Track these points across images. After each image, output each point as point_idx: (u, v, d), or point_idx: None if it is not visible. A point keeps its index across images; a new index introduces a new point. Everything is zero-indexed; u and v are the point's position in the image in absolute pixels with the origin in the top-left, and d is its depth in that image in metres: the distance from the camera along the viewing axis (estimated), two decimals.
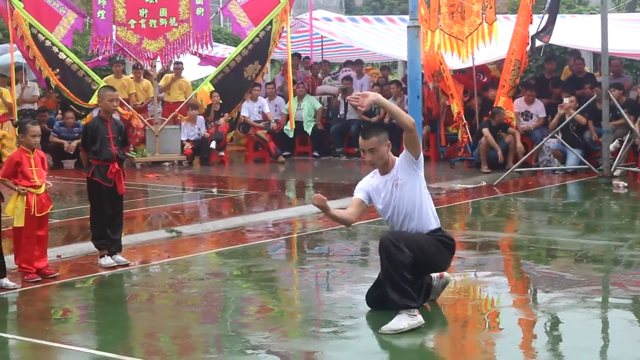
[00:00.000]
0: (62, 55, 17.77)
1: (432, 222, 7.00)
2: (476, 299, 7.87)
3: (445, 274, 7.34)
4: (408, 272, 6.62)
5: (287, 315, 7.38)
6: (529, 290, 8.20)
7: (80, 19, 18.64)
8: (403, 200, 6.88)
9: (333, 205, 7.40)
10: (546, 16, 15.86)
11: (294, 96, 19.25)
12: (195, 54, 19.19)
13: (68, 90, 17.82)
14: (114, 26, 18.28)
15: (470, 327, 7.02)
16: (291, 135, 19.81)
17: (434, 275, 7.22)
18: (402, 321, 6.50)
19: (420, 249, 6.76)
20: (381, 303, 6.98)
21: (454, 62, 17.58)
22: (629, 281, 8.08)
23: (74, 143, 17.71)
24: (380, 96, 6.85)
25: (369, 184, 7.11)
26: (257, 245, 10.38)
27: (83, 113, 18.13)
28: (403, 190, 6.87)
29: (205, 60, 20.05)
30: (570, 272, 8.47)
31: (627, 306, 7.31)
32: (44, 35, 17.61)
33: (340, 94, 20.36)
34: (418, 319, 6.55)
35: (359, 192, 7.13)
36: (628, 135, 15.37)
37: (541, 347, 6.25)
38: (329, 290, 8.22)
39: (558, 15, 16.54)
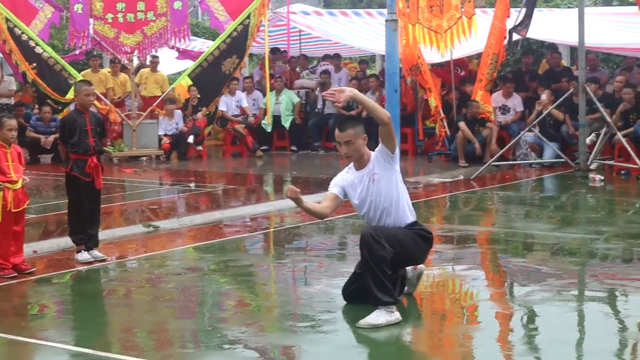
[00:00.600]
0: (38, 50, 17.69)
1: (409, 215, 6.99)
2: (453, 292, 7.89)
3: (419, 265, 7.36)
4: (388, 267, 6.62)
5: (265, 310, 7.37)
6: (506, 283, 8.23)
7: (57, 13, 18.58)
8: (380, 195, 6.87)
9: (311, 199, 7.40)
10: (523, 10, 15.91)
11: (271, 90, 19.26)
12: (173, 47, 19.13)
13: (45, 85, 17.76)
14: (91, 20, 18.21)
15: (448, 321, 7.05)
16: (269, 129, 19.81)
17: (408, 267, 7.24)
18: (380, 317, 6.50)
19: (400, 244, 6.76)
20: (357, 297, 6.99)
21: (432, 55, 17.62)
22: (605, 274, 8.14)
23: (51, 138, 17.62)
24: (356, 91, 6.84)
25: (344, 179, 7.08)
26: (234, 239, 10.37)
27: (60, 107, 18.03)
28: (380, 185, 6.86)
29: (183, 54, 20.00)
30: (547, 266, 8.51)
31: (603, 299, 7.36)
32: (20, 29, 17.53)
33: (318, 88, 20.36)
34: (395, 316, 6.55)
35: (334, 187, 7.09)
36: (604, 129, 15.44)
37: (518, 340, 6.28)
38: (307, 285, 8.22)
39: (535, 9, 16.59)
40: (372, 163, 6.91)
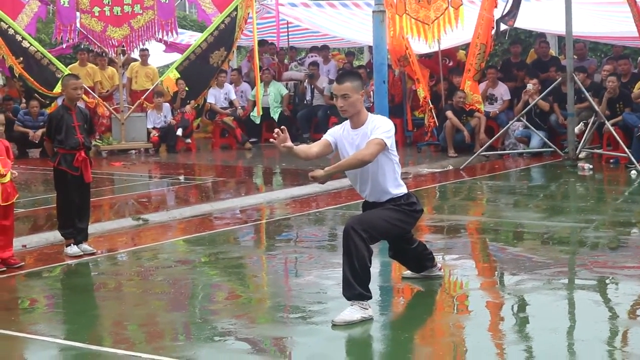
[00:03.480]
0: (25, 44, 17.60)
1: (390, 190, 6.79)
2: (444, 282, 7.88)
3: (440, 271, 7.65)
4: (369, 260, 6.52)
5: (255, 302, 7.37)
6: (496, 272, 8.23)
7: (44, 7, 18.49)
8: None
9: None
10: (511, 0, 15.91)
11: (260, 82, 19.22)
12: (160, 41, 19.09)
13: (32, 79, 17.66)
14: (77, 14, 18.14)
15: (439, 310, 7.07)
16: (258, 121, 19.76)
17: (437, 267, 7.57)
18: (355, 313, 6.42)
19: (377, 230, 6.64)
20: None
21: (420, 46, 17.59)
22: (594, 262, 8.15)
23: (39, 132, 17.56)
24: (327, 168, 6.65)
25: (339, 133, 6.88)
26: (224, 232, 10.36)
27: (47, 102, 17.96)
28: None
29: (171, 47, 19.98)
30: (537, 254, 8.53)
31: (592, 287, 7.37)
32: (6, 24, 17.42)
33: (306, 80, 20.35)
34: (369, 312, 6.48)
35: (329, 136, 6.92)
36: (593, 118, 15.47)
37: (508, 329, 6.29)
38: (297, 276, 8.22)
39: None
40: (368, 128, 6.66)
